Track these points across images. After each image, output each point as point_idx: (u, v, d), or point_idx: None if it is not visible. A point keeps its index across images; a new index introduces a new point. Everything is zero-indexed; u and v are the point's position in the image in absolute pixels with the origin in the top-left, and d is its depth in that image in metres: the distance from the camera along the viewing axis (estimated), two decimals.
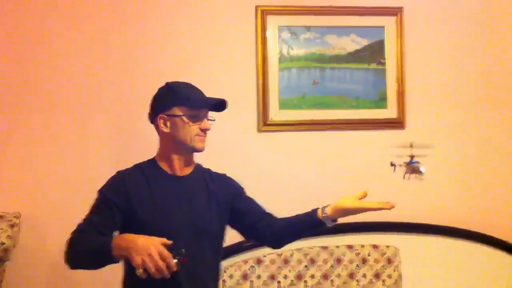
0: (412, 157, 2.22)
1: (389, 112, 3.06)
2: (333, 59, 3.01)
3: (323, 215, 1.87)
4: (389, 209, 1.81)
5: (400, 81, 3.06)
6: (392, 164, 2.28)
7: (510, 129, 3.14)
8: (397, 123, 3.06)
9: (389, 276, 2.82)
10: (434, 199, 3.04)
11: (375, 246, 2.87)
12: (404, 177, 2.24)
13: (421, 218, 2.99)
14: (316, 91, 3.00)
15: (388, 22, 3.06)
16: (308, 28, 2.99)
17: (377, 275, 2.80)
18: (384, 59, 3.05)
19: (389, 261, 2.84)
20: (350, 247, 2.85)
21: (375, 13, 3.05)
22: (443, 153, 3.05)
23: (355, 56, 3.03)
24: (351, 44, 3.03)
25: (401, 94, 3.06)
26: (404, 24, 3.06)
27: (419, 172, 2.23)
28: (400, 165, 2.25)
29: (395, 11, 3.06)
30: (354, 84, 3.02)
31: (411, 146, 2.22)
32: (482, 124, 3.12)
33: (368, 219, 2.93)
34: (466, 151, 3.10)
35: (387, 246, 2.87)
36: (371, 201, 1.85)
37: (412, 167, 2.22)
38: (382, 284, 2.81)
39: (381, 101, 3.05)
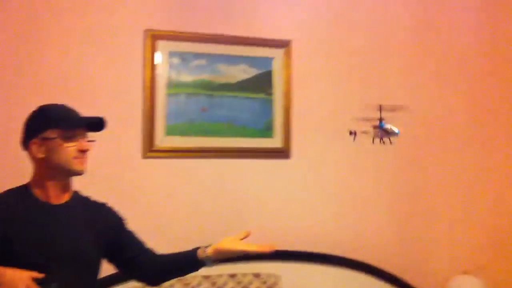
0: (380, 119, 2.16)
1: (275, 141, 3.15)
2: (222, 87, 3.04)
3: (204, 255, 1.86)
4: (268, 252, 1.84)
5: (287, 112, 3.16)
6: (351, 133, 2.22)
7: (385, 158, 3.34)
8: (282, 153, 3.15)
9: None
10: (314, 226, 3.15)
11: (256, 275, 2.90)
12: (373, 142, 2.18)
13: (302, 245, 3.07)
14: (205, 118, 3.01)
15: (277, 54, 3.16)
16: (198, 55, 3.00)
17: None
18: (272, 89, 3.13)
19: None
20: (232, 276, 2.85)
21: (265, 44, 3.14)
22: (321, 182, 3.18)
23: (244, 85, 3.08)
24: (240, 73, 3.08)
25: (287, 124, 3.16)
26: (292, 56, 3.18)
27: (393, 134, 2.16)
28: (364, 132, 2.18)
29: (284, 43, 3.17)
30: (242, 112, 3.07)
31: (380, 108, 2.15)
32: (364, 154, 3.29)
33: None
34: (344, 180, 3.25)
35: (268, 275, 2.91)
36: (252, 244, 1.87)
37: (384, 130, 2.15)
38: None
39: (267, 131, 3.13)
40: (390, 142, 2.17)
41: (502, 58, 3.57)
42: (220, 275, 2.83)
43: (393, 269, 3.24)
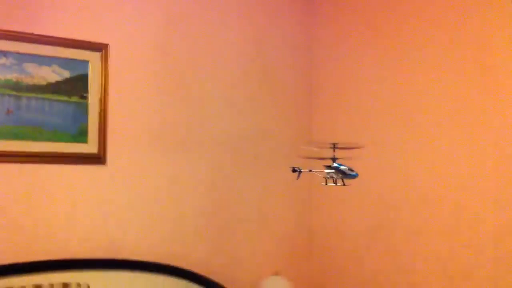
0: (334, 159, 2.05)
1: (90, 147, 3.11)
2: (31, 88, 2.94)
3: None
4: None
5: (103, 117, 3.14)
6: (294, 170, 2.12)
7: (198, 168, 3.47)
8: (97, 158, 3.12)
9: None
10: (127, 233, 3.17)
11: (65, 285, 2.84)
12: (326, 183, 2.07)
13: (112, 253, 3.08)
14: (10, 120, 2.88)
15: (93, 57, 3.13)
16: (4, 53, 2.87)
17: None
18: (87, 93, 3.10)
19: None
20: (38, 286, 2.76)
21: (80, 46, 3.10)
22: (137, 190, 3.22)
23: (56, 88, 3.01)
24: (52, 74, 3.01)
25: (103, 130, 3.14)
26: (110, 60, 3.17)
27: (351, 176, 2.06)
28: (310, 171, 2.07)
29: (101, 47, 3.15)
30: (52, 116, 3.00)
31: (334, 146, 2.04)
32: (178, 163, 3.39)
33: (58, 256, 2.92)
34: (161, 189, 3.32)
35: (78, 284, 2.86)
36: None
37: (342, 172, 2.04)
38: None
39: (81, 136, 3.08)
40: (344, 184, 2.11)
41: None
42: (23, 287, 2.72)
43: (205, 272, 3.37)
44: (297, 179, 2.22)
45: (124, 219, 3.20)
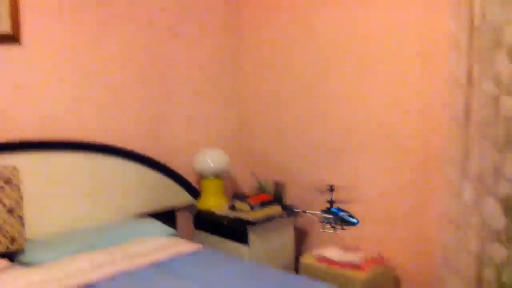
0: (331, 203, 1.90)
1: (1, 26, 2.96)
2: None
3: None
4: None
5: None
6: (289, 210, 1.90)
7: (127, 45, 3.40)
8: (11, 38, 2.99)
9: (9, 197, 2.85)
10: (52, 113, 3.15)
11: None
12: (324, 230, 1.92)
13: (39, 133, 3.07)
14: None
15: None
16: None
17: None
18: None
19: (8, 181, 2.86)
20: None
21: None
22: (58, 67, 3.14)
23: None
24: None
25: (14, 5, 2.97)
26: None
27: (351, 223, 1.92)
28: (305, 212, 1.90)
29: None
30: None
31: (331, 189, 1.89)
32: (109, 39, 3.29)
33: None
34: (83, 65, 3.25)
35: (5, 167, 2.87)
36: None
37: (340, 218, 1.89)
38: (3, 206, 2.83)
39: None
40: (343, 229, 1.97)
41: None
42: None
43: (142, 150, 3.43)
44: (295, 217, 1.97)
45: (46, 97, 3.13)
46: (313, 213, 1.87)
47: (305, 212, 1.92)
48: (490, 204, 2.74)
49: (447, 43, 2.75)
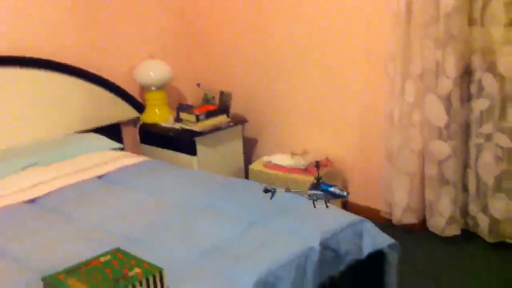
0: (319, 179, 1.79)
1: None
2: None
3: None
4: None
5: None
6: (267, 190, 1.80)
7: None
8: None
9: None
10: None
11: None
12: (315, 206, 1.83)
13: None
14: None
15: None
16: None
17: None
18: None
19: None
20: None
21: None
22: None
23: None
24: None
25: None
26: None
27: (342, 196, 1.82)
28: (288, 190, 1.81)
29: None
30: None
31: (317, 165, 1.79)
32: None
33: None
34: None
35: None
36: None
37: (332, 193, 1.79)
38: None
39: None
40: (327, 206, 1.87)
41: None
42: None
43: (81, 64, 3.32)
44: (271, 199, 1.85)
45: None
46: (300, 191, 1.83)
47: (290, 190, 1.87)
48: (431, 102, 2.80)
49: None
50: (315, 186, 1.83)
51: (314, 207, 1.82)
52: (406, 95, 2.87)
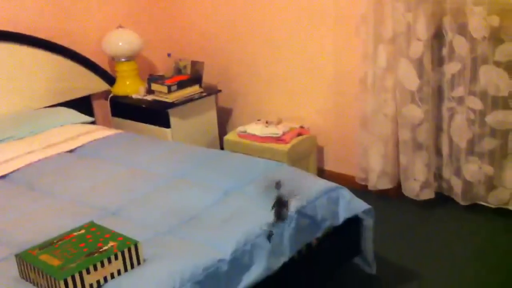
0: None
1: None
2: None
3: None
4: None
5: None
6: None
7: None
8: None
9: None
10: None
11: None
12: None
13: None
14: None
15: None
16: None
17: None
18: None
19: None
20: None
21: None
22: None
23: None
24: None
25: None
26: None
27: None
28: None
29: None
30: None
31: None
32: None
33: None
34: None
35: None
36: None
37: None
38: None
39: None
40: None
41: None
42: None
43: (47, 36, 3.23)
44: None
45: None
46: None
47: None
48: (404, 66, 2.80)
49: None
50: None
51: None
52: (379, 59, 2.86)
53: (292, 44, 3.30)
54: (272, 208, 1.91)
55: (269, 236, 1.87)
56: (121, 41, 3.42)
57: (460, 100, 2.75)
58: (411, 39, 2.74)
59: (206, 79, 3.62)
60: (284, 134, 3.19)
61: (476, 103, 2.70)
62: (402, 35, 2.76)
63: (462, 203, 2.89)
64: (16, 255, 1.65)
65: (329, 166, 3.40)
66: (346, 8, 2.99)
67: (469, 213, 2.88)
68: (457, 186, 2.90)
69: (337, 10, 3.04)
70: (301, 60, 3.29)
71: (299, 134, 3.25)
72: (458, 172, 2.88)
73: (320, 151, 3.39)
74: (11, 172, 2.52)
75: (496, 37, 2.57)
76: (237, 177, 2.26)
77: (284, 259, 1.92)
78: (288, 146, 3.14)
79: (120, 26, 3.49)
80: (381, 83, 2.90)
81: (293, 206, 1.96)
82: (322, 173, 3.37)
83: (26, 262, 1.60)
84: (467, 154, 2.80)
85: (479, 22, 2.55)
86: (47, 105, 3.25)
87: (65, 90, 3.34)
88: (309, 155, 3.28)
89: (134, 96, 3.48)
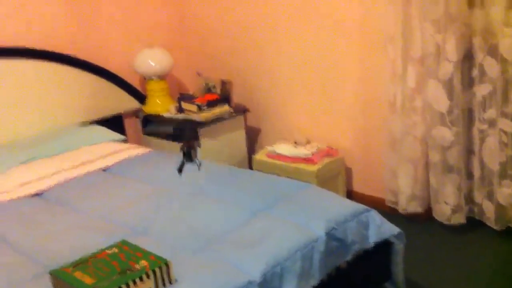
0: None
1: None
2: None
3: None
4: None
5: None
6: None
7: None
8: None
9: None
10: None
11: None
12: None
13: None
14: None
15: None
16: None
17: None
18: None
19: None
20: None
21: None
22: None
23: None
24: None
25: None
26: None
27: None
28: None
29: None
30: None
31: None
32: None
33: None
34: None
35: None
36: None
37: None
38: None
39: None
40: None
41: None
42: None
43: (77, 53, 3.31)
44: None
45: None
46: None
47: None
48: (433, 87, 2.78)
49: None
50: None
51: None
52: (407, 80, 2.85)
53: (319, 64, 3.31)
54: (181, 150, 2.16)
55: (180, 170, 2.24)
56: (152, 60, 3.48)
57: (492, 122, 2.72)
58: (440, 60, 2.72)
59: (234, 98, 3.66)
60: (313, 154, 3.19)
61: (508, 125, 2.67)
62: (431, 56, 2.75)
63: (495, 227, 2.84)
64: (50, 272, 1.69)
65: (357, 187, 3.39)
66: (373, 28, 2.99)
67: (502, 237, 2.83)
68: (489, 210, 2.85)
69: (363, 30, 3.05)
70: (329, 80, 3.29)
71: (327, 155, 3.25)
72: (490, 196, 2.83)
73: (348, 170, 3.38)
74: (44, 190, 2.58)
75: None
76: (265, 197, 2.27)
77: (314, 282, 1.91)
78: (317, 166, 3.14)
79: (150, 46, 3.55)
80: (410, 104, 2.89)
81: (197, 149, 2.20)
82: (350, 194, 3.36)
83: (60, 279, 1.63)
84: (500, 177, 2.76)
85: (510, 43, 2.53)
86: (80, 123, 3.32)
87: (98, 108, 3.42)
88: (337, 176, 3.28)
89: (165, 115, 3.53)
